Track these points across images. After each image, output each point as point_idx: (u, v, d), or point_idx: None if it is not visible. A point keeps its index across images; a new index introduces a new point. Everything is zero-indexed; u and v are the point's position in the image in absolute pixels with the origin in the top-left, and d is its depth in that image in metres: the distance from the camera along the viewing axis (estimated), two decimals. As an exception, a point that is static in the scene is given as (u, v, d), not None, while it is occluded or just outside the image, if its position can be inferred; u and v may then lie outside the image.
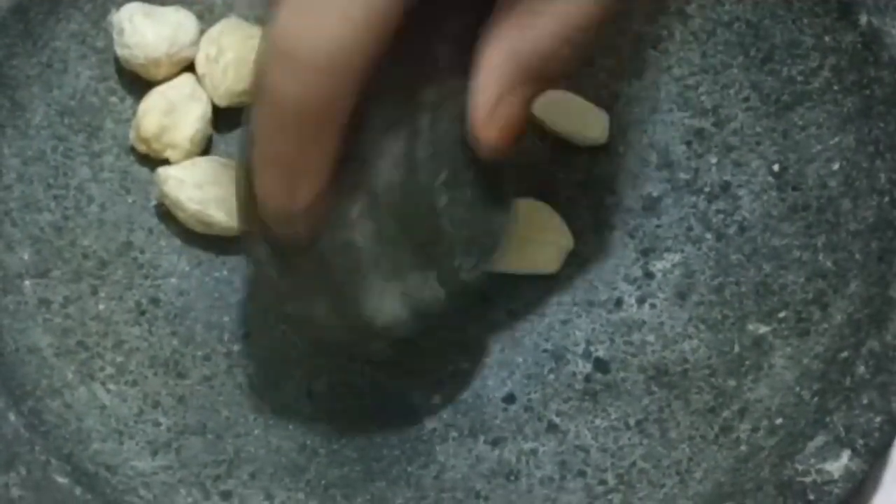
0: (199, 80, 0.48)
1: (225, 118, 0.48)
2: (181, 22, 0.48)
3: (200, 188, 0.46)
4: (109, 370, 0.45)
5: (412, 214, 0.39)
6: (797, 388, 0.42)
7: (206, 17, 0.49)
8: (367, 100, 0.36)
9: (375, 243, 0.39)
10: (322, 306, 0.40)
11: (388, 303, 0.40)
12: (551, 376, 0.45)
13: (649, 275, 0.47)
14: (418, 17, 0.35)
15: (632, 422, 0.44)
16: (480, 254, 0.41)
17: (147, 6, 0.47)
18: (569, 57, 0.37)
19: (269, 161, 0.36)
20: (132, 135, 0.47)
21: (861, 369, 0.41)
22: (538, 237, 0.46)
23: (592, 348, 0.46)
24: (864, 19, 0.45)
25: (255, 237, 0.40)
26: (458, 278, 0.41)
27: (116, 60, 0.48)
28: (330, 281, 0.40)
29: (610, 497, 0.43)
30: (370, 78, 0.35)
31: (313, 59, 0.34)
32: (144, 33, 0.47)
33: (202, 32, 0.48)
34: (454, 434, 0.44)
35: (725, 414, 0.43)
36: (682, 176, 0.48)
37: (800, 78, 0.46)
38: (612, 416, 0.44)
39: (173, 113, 0.47)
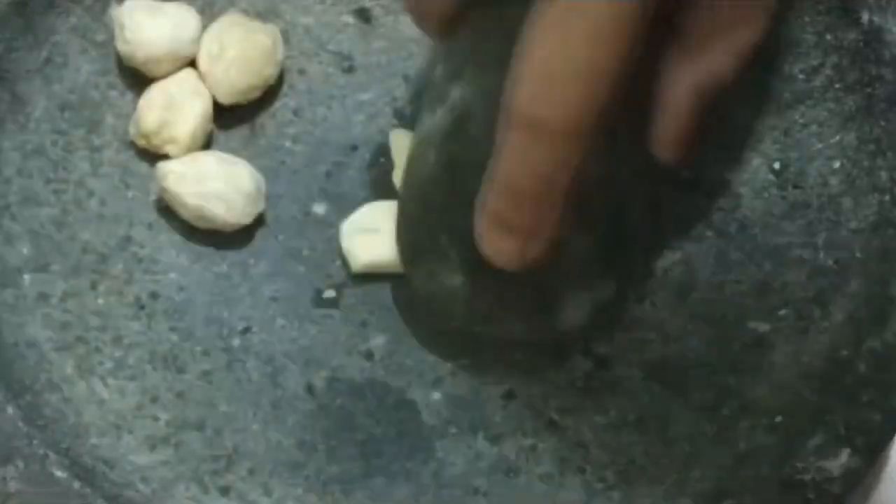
0: (202, 77, 0.48)
1: (225, 113, 0.48)
2: (182, 18, 0.48)
3: (201, 183, 0.45)
4: (108, 365, 0.44)
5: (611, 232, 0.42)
6: (797, 386, 0.42)
7: (207, 13, 0.49)
8: None
9: (573, 262, 0.41)
10: (513, 320, 0.43)
11: (574, 311, 0.43)
12: (551, 373, 0.45)
13: (650, 272, 0.46)
14: None
15: (631, 419, 0.44)
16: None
17: (148, 2, 0.47)
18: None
19: (503, 227, 0.38)
20: (132, 129, 0.47)
21: (861, 367, 0.41)
22: None
23: (592, 345, 0.46)
24: (865, 17, 0.45)
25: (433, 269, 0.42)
26: (632, 272, 0.44)
27: (117, 55, 0.48)
28: (524, 297, 0.42)
29: (609, 494, 0.43)
30: None
31: (567, 128, 0.35)
32: (145, 30, 0.47)
33: (203, 28, 0.48)
34: (453, 430, 0.44)
35: (725, 411, 0.43)
36: (683, 173, 0.48)
37: (801, 76, 0.46)
38: (612, 413, 0.44)
39: (174, 108, 0.47)
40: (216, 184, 0.46)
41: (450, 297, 0.43)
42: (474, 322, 0.44)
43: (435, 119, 0.41)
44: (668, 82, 0.39)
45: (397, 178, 0.46)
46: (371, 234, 0.46)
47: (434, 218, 0.42)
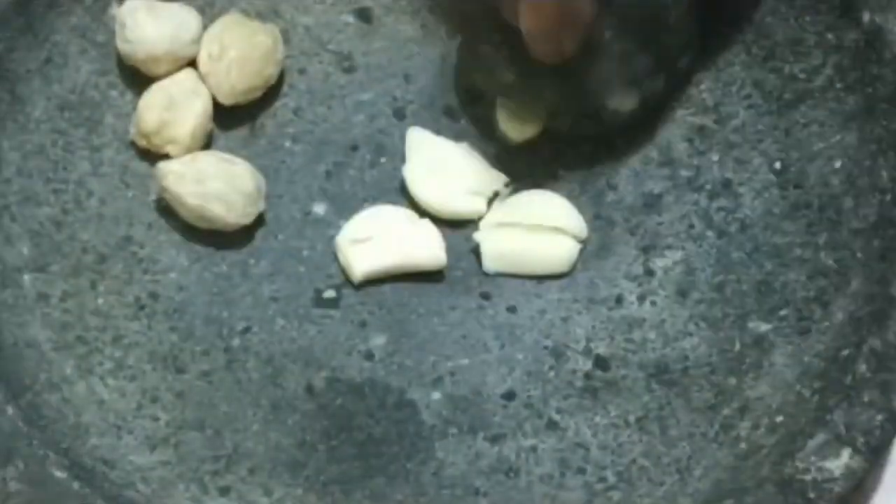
0: (203, 78, 0.48)
1: (225, 113, 0.48)
2: (184, 19, 0.48)
3: (201, 183, 0.45)
4: (108, 365, 0.44)
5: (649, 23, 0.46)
6: (798, 386, 0.42)
7: (208, 12, 0.49)
8: None
9: (616, 43, 0.46)
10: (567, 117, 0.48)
11: (622, 103, 0.47)
12: (551, 373, 0.45)
13: (650, 272, 0.46)
14: None
15: (632, 419, 0.44)
16: (693, 52, 0.47)
17: (150, 1, 0.47)
18: None
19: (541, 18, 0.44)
20: (133, 130, 0.47)
21: (862, 367, 0.40)
22: (549, 233, 0.46)
23: (593, 345, 0.46)
24: (866, 17, 0.44)
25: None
26: (679, 70, 0.47)
27: (117, 55, 0.48)
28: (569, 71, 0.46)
29: (610, 494, 0.43)
30: None
31: None
32: (146, 29, 0.47)
33: (204, 29, 0.48)
34: (453, 431, 0.44)
35: (726, 412, 0.43)
36: (684, 173, 0.48)
37: (802, 76, 0.46)
38: (612, 414, 0.44)
39: (174, 108, 0.47)
40: (216, 184, 0.45)
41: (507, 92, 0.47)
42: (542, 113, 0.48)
43: None
44: None
45: (409, 172, 0.47)
46: (365, 244, 0.46)
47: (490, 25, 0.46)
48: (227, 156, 0.47)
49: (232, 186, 0.46)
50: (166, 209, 0.47)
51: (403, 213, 0.47)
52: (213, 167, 0.46)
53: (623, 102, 0.47)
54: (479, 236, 0.46)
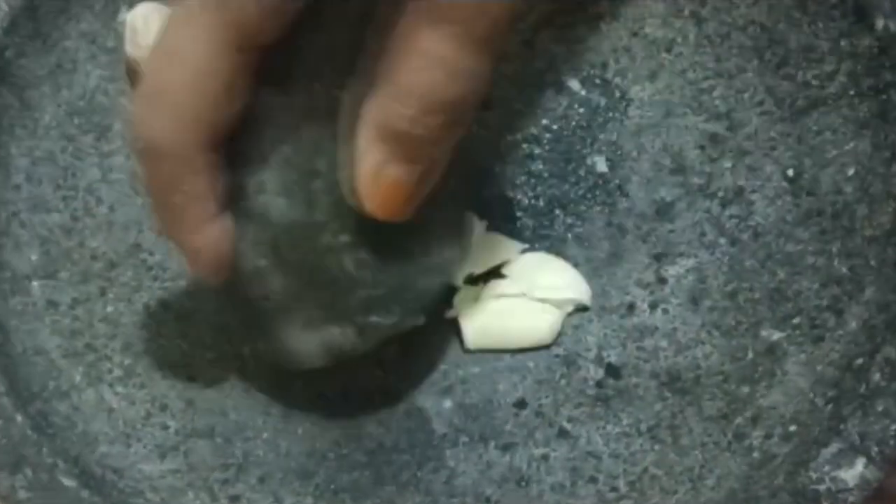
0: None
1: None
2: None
3: None
4: (117, 372, 0.44)
5: (316, 270, 0.40)
6: (811, 395, 0.42)
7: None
8: (257, 137, 0.39)
9: (285, 296, 0.41)
10: (259, 344, 0.43)
11: (307, 349, 0.41)
12: (563, 381, 0.45)
13: (662, 280, 0.46)
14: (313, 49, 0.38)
15: (644, 428, 0.44)
16: (403, 311, 0.41)
17: (162, 7, 0.47)
18: (436, 122, 0.36)
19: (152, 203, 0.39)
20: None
21: (876, 376, 0.40)
22: (536, 308, 0.46)
23: (604, 354, 0.45)
24: (880, 23, 0.44)
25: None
26: (379, 332, 0.41)
27: (126, 60, 0.48)
28: (258, 325, 0.42)
29: (621, 503, 0.43)
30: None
31: (156, 148, 0.37)
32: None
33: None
34: (465, 439, 0.44)
35: (738, 420, 0.43)
36: (696, 181, 0.47)
37: (815, 82, 0.46)
38: (624, 422, 0.44)
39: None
40: None
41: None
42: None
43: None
44: (361, 116, 0.37)
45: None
46: None
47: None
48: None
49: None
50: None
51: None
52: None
53: (309, 359, 0.42)
54: (458, 313, 0.46)
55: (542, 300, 0.46)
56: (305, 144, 0.40)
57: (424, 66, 0.35)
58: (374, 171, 0.37)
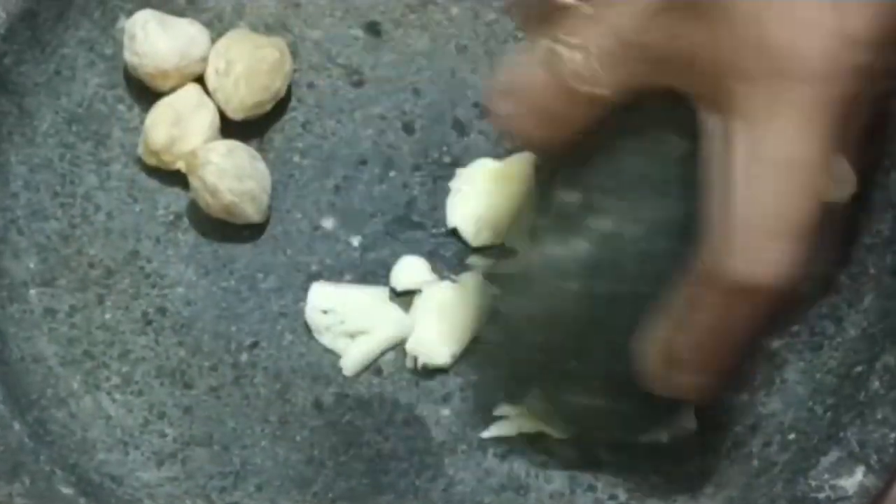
0: (211, 95, 0.47)
1: (234, 127, 0.48)
2: (194, 36, 0.47)
3: (240, 181, 0.45)
4: (115, 380, 0.44)
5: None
6: (810, 403, 0.42)
7: (216, 26, 0.49)
8: None
9: None
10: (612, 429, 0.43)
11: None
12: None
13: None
14: None
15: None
16: None
17: (162, 15, 0.47)
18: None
19: (688, 370, 0.38)
20: (141, 148, 0.47)
21: (875, 384, 0.40)
22: None
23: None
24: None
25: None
26: None
27: (124, 68, 0.48)
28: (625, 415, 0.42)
29: (621, 512, 0.43)
30: None
31: (776, 290, 0.35)
32: (156, 43, 0.47)
33: (211, 42, 0.48)
34: (463, 447, 0.44)
35: (738, 428, 0.43)
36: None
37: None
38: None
39: (181, 123, 0.47)
40: (251, 183, 0.46)
41: (567, 411, 0.43)
42: (581, 430, 0.44)
43: (569, 249, 0.39)
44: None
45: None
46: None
47: (569, 342, 0.40)
48: (252, 150, 0.47)
49: (260, 186, 0.46)
50: (173, 223, 0.47)
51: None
52: (247, 163, 0.46)
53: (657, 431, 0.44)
54: None
55: None
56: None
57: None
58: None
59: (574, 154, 0.40)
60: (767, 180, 0.34)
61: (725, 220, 0.34)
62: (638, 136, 0.39)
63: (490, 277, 0.43)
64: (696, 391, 0.38)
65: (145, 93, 0.48)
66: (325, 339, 0.45)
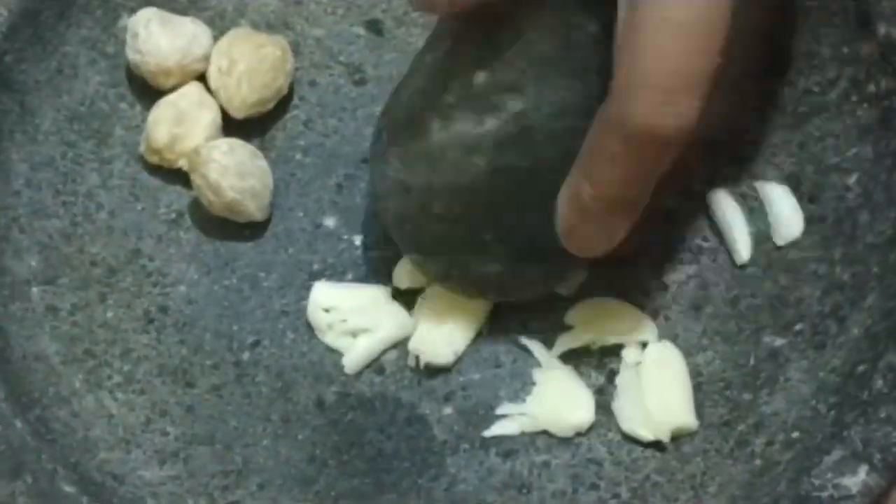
0: (213, 93, 0.47)
1: (236, 125, 0.48)
2: (196, 34, 0.47)
3: (242, 178, 0.45)
4: (117, 378, 0.44)
5: None
6: (813, 402, 0.42)
7: (218, 24, 0.49)
8: None
9: None
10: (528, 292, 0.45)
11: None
12: (564, 388, 0.45)
13: (663, 286, 0.46)
14: None
15: (645, 434, 0.44)
16: None
17: (164, 13, 0.47)
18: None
19: (596, 222, 0.40)
20: (142, 146, 0.47)
21: (878, 383, 0.40)
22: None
23: (606, 360, 0.45)
24: (882, 30, 0.44)
25: None
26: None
27: (126, 66, 0.48)
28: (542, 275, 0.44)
29: (623, 511, 0.42)
30: None
31: (679, 136, 0.38)
32: (159, 41, 0.47)
33: (214, 41, 0.48)
34: (465, 446, 0.44)
35: (741, 427, 0.43)
36: (697, 187, 0.47)
37: (816, 89, 0.46)
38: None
39: (183, 122, 0.47)
40: (252, 181, 0.46)
41: (482, 281, 0.44)
42: (499, 296, 0.45)
43: (483, 127, 0.41)
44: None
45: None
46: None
47: (478, 217, 0.42)
48: (254, 148, 0.47)
49: (263, 184, 0.46)
50: (175, 221, 0.47)
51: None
52: (249, 161, 0.46)
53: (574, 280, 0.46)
54: None
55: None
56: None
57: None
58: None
59: (484, 33, 0.41)
60: (669, 39, 0.37)
61: (631, 75, 0.37)
62: (548, 16, 0.41)
63: (401, 153, 0.43)
64: (601, 242, 0.41)
65: (147, 91, 0.48)
66: (328, 338, 0.45)
